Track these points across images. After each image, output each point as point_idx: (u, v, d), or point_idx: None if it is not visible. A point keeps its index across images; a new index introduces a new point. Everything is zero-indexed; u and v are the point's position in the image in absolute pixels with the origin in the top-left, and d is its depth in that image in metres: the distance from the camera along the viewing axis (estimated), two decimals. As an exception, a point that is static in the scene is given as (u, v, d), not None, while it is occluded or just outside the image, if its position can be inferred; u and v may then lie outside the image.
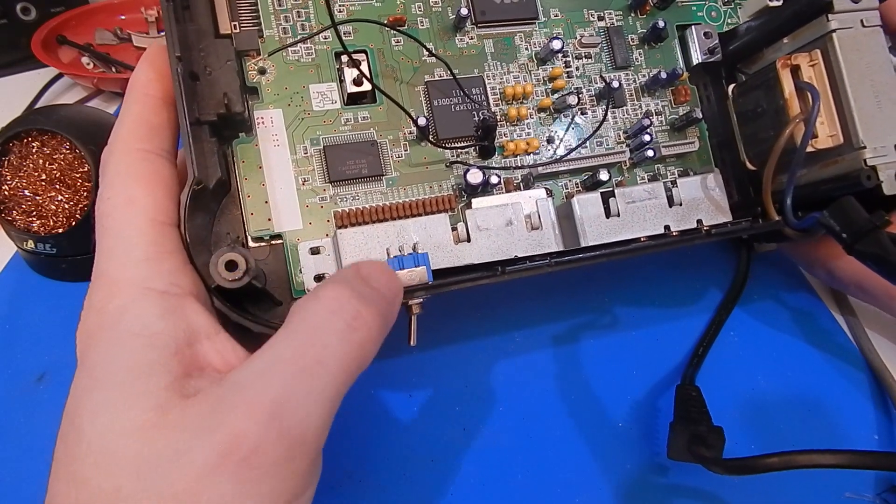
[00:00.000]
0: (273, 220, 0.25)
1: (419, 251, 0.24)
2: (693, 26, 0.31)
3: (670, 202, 0.28)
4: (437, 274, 0.24)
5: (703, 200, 0.29)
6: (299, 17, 0.27)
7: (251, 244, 0.25)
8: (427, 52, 0.28)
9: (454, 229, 0.26)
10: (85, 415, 0.18)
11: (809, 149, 0.27)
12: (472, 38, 0.29)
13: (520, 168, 0.28)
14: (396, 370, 0.32)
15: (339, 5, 0.28)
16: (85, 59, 0.39)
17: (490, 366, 0.32)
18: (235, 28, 0.26)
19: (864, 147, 0.26)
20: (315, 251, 0.25)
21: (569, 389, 0.32)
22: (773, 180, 0.29)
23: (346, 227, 0.26)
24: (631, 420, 0.31)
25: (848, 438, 0.32)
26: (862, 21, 0.27)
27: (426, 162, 0.28)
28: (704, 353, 0.33)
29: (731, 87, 0.30)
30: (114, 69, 0.39)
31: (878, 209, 0.25)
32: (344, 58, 0.27)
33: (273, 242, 0.26)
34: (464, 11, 0.27)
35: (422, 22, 0.28)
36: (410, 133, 0.28)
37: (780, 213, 0.27)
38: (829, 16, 0.26)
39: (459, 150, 0.28)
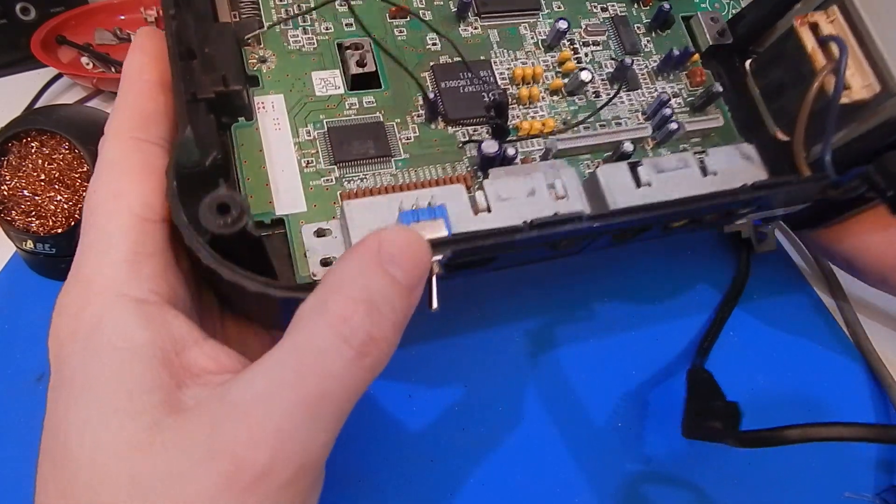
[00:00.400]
0: (274, 202, 0.23)
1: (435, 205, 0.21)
2: (698, 14, 0.31)
3: (704, 172, 0.26)
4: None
5: (740, 170, 0.27)
6: (300, 9, 0.27)
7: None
8: (431, 38, 0.27)
9: (473, 199, 0.23)
10: (71, 432, 0.17)
11: (844, 100, 0.25)
12: (476, 29, 0.28)
13: (538, 140, 0.27)
14: (396, 370, 0.30)
15: (341, 1, 0.27)
16: (84, 59, 0.39)
17: (490, 366, 0.31)
18: (235, 17, 0.25)
19: (905, 88, 0.24)
20: (321, 233, 0.23)
21: (569, 388, 0.31)
22: (808, 151, 0.27)
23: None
24: (631, 419, 0.31)
25: None
26: (874, -28, 0.26)
27: (437, 143, 0.26)
28: (709, 347, 0.32)
29: (748, 62, 0.29)
30: (113, 69, 0.39)
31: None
32: (347, 41, 0.26)
33: (275, 231, 0.23)
34: (466, -2, 0.27)
35: (424, 14, 0.28)
36: (419, 115, 0.26)
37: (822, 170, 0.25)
38: (839, -30, 0.26)
39: (471, 131, 0.26)
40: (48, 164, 0.29)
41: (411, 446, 0.29)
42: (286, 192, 0.24)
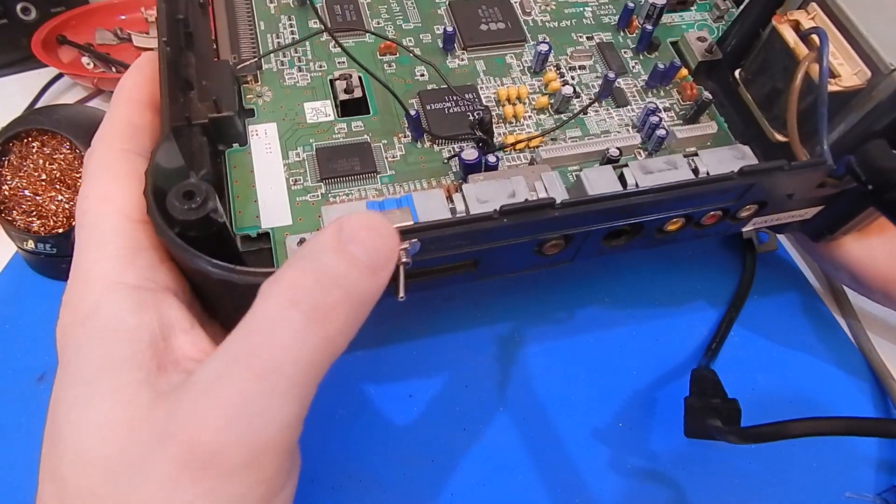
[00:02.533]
0: (261, 217, 0.24)
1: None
2: (685, 34, 0.31)
3: (695, 173, 0.25)
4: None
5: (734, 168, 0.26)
6: (296, 52, 0.29)
7: (238, 245, 0.24)
8: (419, 69, 0.29)
9: (451, 202, 0.23)
10: (61, 411, 0.17)
11: (836, 88, 0.24)
12: (462, 60, 0.30)
13: (522, 153, 0.27)
14: (396, 370, 0.30)
15: (334, 44, 0.29)
16: (85, 59, 0.39)
17: (490, 365, 0.31)
18: (235, 58, 0.28)
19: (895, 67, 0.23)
20: (303, 243, 0.23)
21: (569, 389, 0.31)
22: (811, 151, 0.26)
23: (335, 213, 0.24)
24: (632, 419, 0.30)
25: (847, 438, 0.31)
26: (850, -31, 0.26)
27: (423, 160, 0.26)
28: (717, 349, 0.32)
29: (738, 71, 0.29)
30: (114, 69, 0.39)
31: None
32: (338, 73, 0.28)
33: (262, 246, 0.24)
34: (449, 29, 0.29)
35: (413, 50, 0.30)
36: (406, 136, 0.27)
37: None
38: (814, -31, 0.26)
39: (456, 147, 0.27)
40: (49, 164, 0.30)
41: (411, 446, 0.29)
42: (273, 208, 0.24)
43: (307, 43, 0.29)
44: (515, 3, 0.32)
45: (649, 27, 0.30)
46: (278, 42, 0.29)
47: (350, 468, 0.28)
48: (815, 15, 0.26)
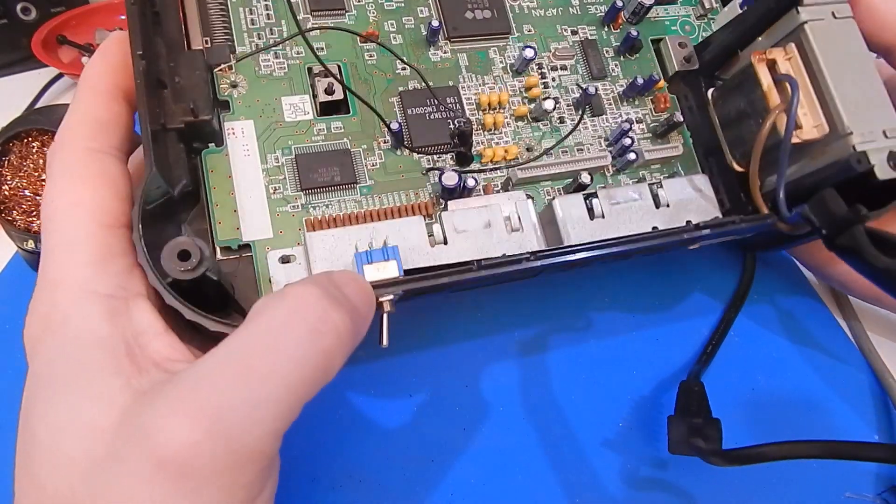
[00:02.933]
0: (241, 228, 0.24)
1: (389, 245, 0.22)
2: (667, 38, 0.31)
3: (657, 203, 0.27)
4: (412, 274, 0.23)
5: (691, 201, 0.28)
6: (272, 34, 0.27)
7: (219, 255, 0.24)
8: (401, 63, 0.28)
9: (430, 234, 0.24)
10: (36, 416, 0.17)
11: (795, 140, 0.26)
12: (445, 53, 0.29)
13: (499, 170, 0.28)
14: (396, 370, 0.31)
15: (312, 23, 0.28)
16: (85, 59, 0.39)
17: (490, 366, 0.32)
18: (207, 43, 0.26)
19: (851, 133, 0.25)
20: (285, 260, 0.24)
21: (569, 389, 0.32)
22: (763, 181, 0.28)
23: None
24: (631, 420, 0.31)
25: (848, 438, 0.30)
26: (833, 13, 0.26)
27: (402, 170, 0.27)
28: (713, 353, 0.32)
29: (710, 91, 0.30)
30: None
31: (877, 200, 0.25)
32: (316, 68, 0.27)
33: (243, 255, 0.25)
34: (434, 24, 0.28)
35: (395, 38, 0.29)
36: (385, 142, 0.27)
37: (774, 209, 0.26)
38: (799, 8, 0.26)
39: (436, 158, 0.27)
40: None
41: (411, 446, 0.29)
42: (253, 219, 0.25)
43: (283, 25, 0.27)
44: (503, -17, 0.31)
45: (633, 32, 0.30)
46: (251, 19, 0.27)
47: (350, 468, 0.28)
48: (791, 57, 0.27)
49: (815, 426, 0.33)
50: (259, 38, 0.27)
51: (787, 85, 0.26)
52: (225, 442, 0.15)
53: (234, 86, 0.26)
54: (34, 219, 0.30)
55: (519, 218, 0.25)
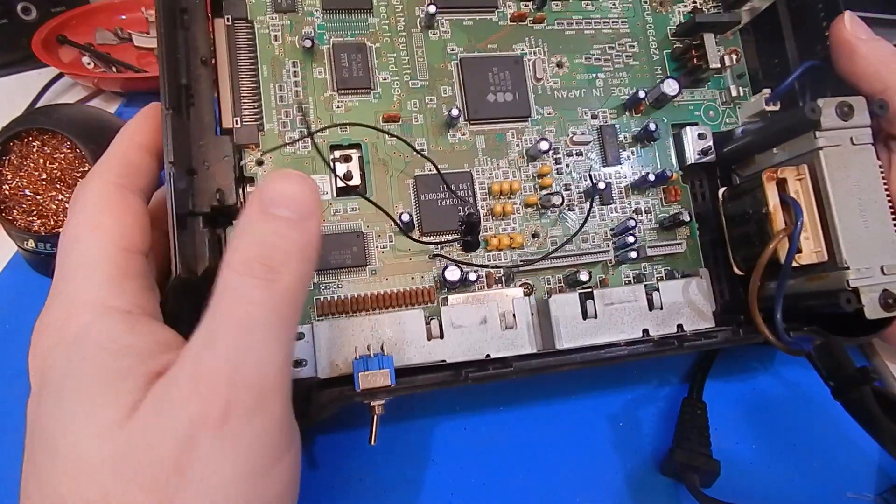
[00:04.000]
0: (258, 305, 0.27)
1: (386, 352, 0.24)
2: (688, 126, 0.31)
3: (650, 305, 0.28)
4: (407, 370, 0.25)
5: (684, 304, 0.29)
6: (299, 111, 0.29)
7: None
8: (424, 140, 0.29)
9: (428, 324, 0.26)
10: (56, 427, 0.18)
11: (794, 264, 0.26)
12: (464, 135, 0.30)
13: (501, 266, 0.29)
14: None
15: (339, 101, 0.29)
16: (85, 59, 0.39)
17: None
18: (237, 123, 0.28)
19: (848, 268, 0.25)
20: (298, 337, 0.26)
21: (569, 389, 0.32)
22: (760, 289, 0.28)
23: (326, 315, 0.27)
24: (631, 420, 0.31)
25: (848, 439, 0.32)
26: (851, 139, 0.26)
27: (410, 252, 0.28)
28: (710, 363, 0.33)
29: (722, 190, 0.30)
30: (114, 69, 0.39)
31: (865, 333, 0.25)
32: (337, 153, 0.28)
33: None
34: (454, 112, 0.28)
35: (416, 118, 0.30)
36: (395, 228, 0.29)
37: (770, 327, 0.27)
38: (817, 133, 0.26)
39: (443, 244, 0.29)
40: (49, 164, 0.30)
41: (412, 446, 0.30)
42: (269, 295, 0.27)
43: (310, 100, 0.29)
44: (528, 63, 0.31)
45: (652, 126, 0.30)
46: (280, 96, 0.28)
47: (351, 469, 0.29)
48: (802, 178, 0.27)
49: (815, 427, 0.33)
50: (287, 116, 0.28)
51: (792, 210, 0.26)
52: (247, 383, 0.17)
53: (259, 163, 0.28)
54: (34, 218, 0.31)
55: (514, 317, 0.27)
